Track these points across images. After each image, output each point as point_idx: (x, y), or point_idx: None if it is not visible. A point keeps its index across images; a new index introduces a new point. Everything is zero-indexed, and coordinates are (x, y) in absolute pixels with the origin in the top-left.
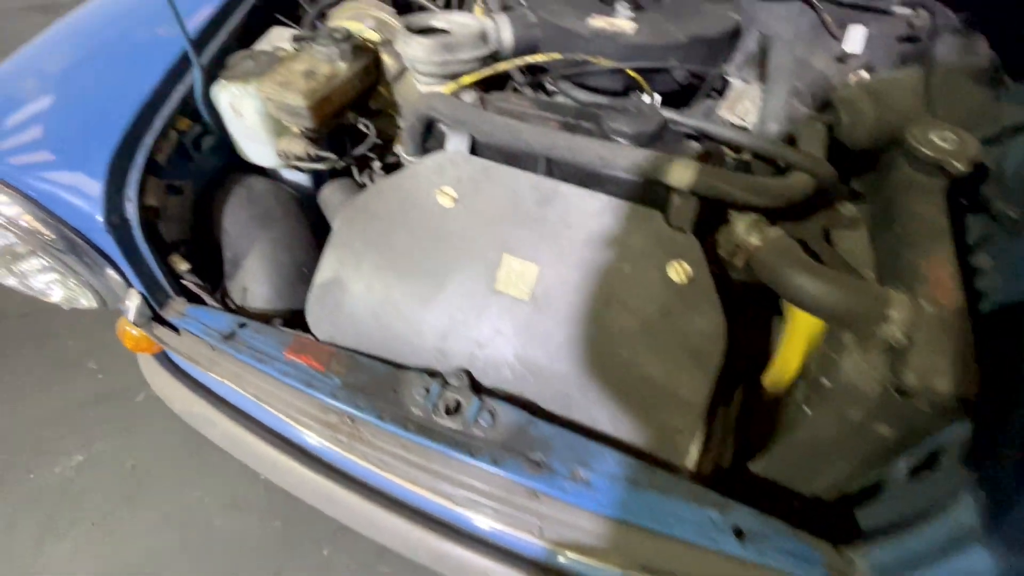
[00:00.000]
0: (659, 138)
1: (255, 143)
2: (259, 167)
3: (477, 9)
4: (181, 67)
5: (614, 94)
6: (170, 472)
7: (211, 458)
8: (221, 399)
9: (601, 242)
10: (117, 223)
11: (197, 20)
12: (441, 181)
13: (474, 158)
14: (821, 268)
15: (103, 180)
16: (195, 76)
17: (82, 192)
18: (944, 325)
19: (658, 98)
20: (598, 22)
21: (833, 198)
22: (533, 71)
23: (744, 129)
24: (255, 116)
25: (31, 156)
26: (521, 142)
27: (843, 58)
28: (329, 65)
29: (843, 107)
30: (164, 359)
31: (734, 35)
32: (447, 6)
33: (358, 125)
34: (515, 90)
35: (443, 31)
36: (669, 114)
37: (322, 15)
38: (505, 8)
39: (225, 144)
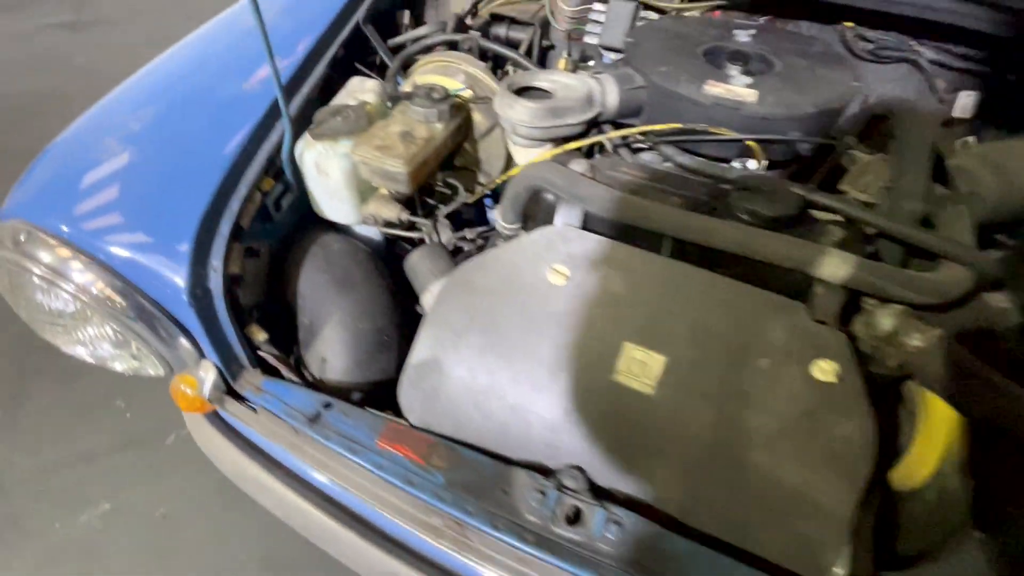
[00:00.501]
0: (799, 221)
1: (337, 202)
2: (332, 222)
3: (561, 62)
4: (267, 123)
5: (719, 159)
6: (202, 522)
7: (245, 508)
8: (284, 468)
9: (736, 334)
10: (200, 294)
11: (281, 72)
12: (552, 257)
13: (588, 234)
14: (1008, 382)
15: (189, 249)
16: (285, 133)
17: (164, 261)
18: None
19: (763, 164)
20: (716, 89)
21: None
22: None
23: (880, 210)
24: (341, 176)
25: (107, 219)
26: (649, 222)
27: (949, 123)
28: (426, 127)
29: (960, 177)
30: (215, 417)
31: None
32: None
33: (441, 185)
34: (604, 149)
35: (543, 91)
36: (800, 190)
37: (405, 66)
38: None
39: (302, 201)
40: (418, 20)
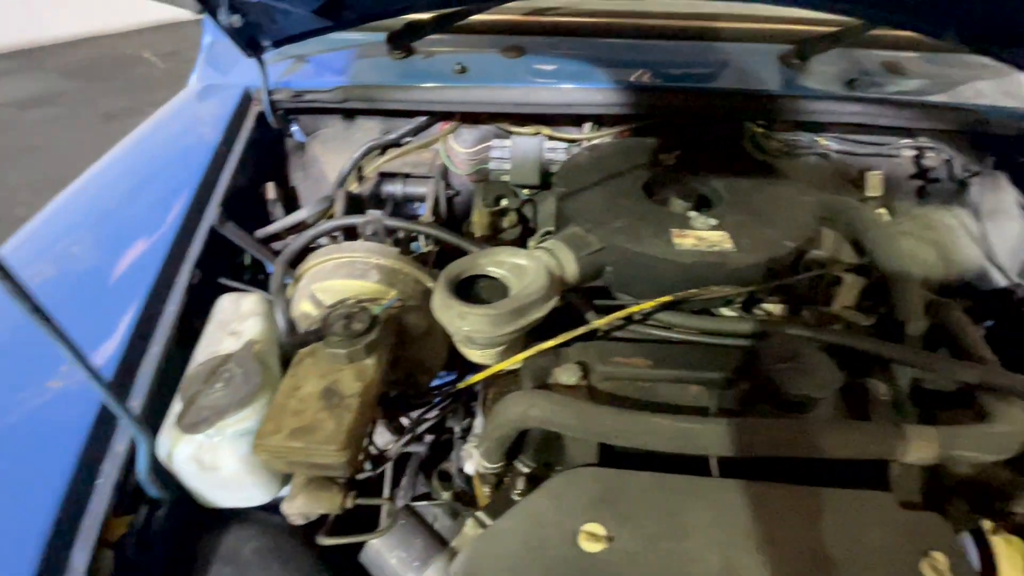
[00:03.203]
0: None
1: (237, 491)
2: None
3: (477, 215)
4: (99, 437)
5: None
6: None
7: None
8: None
9: (829, 549)
10: None
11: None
12: (578, 517)
13: (615, 472)
14: None
15: None
16: (136, 442)
17: None
18: None
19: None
20: (687, 240)
21: None
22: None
23: (918, 349)
24: (238, 464)
25: None
26: (699, 448)
27: (863, 200)
28: (352, 370)
29: (907, 260)
30: None
31: None
32: (436, 212)
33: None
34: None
35: (490, 279)
36: (831, 338)
37: (291, 267)
38: (499, 203)
39: (181, 505)
40: (287, 193)
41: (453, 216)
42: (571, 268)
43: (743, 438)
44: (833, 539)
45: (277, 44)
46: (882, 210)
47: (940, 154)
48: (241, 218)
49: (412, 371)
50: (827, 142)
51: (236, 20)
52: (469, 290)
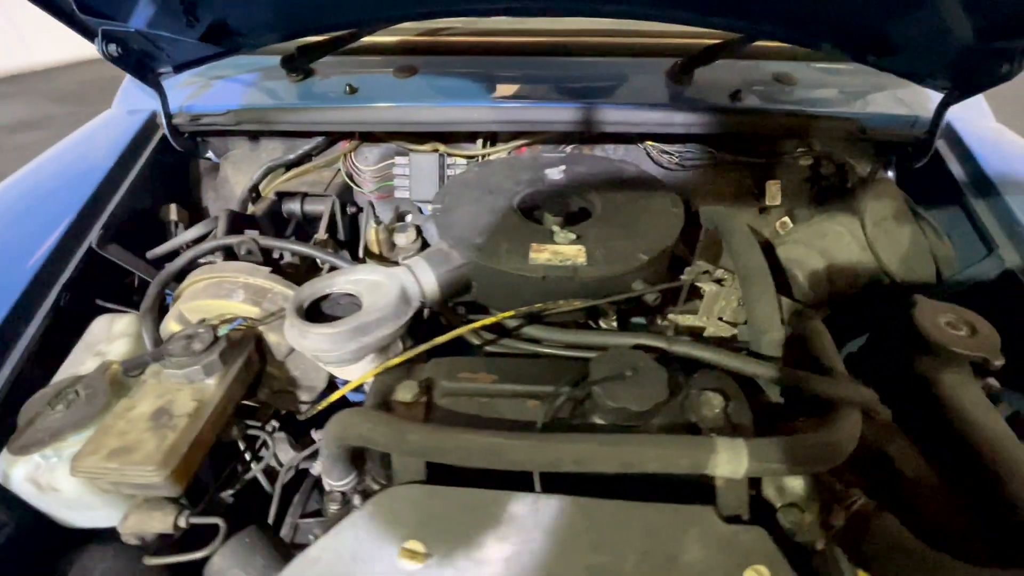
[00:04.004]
0: (673, 397)
1: (84, 511)
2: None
3: (372, 232)
4: None
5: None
6: None
7: None
8: None
9: (649, 563)
10: None
11: None
12: (399, 533)
13: (439, 488)
14: (942, 560)
15: None
16: None
17: None
18: None
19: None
20: (542, 255)
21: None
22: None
23: (763, 357)
24: (78, 485)
25: None
26: (511, 464)
27: (764, 210)
28: (191, 390)
29: (795, 266)
30: None
31: None
32: (331, 232)
33: (239, 438)
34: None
35: (347, 296)
36: (681, 347)
37: (162, 294)
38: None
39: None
40: (200, 214)
41: (356, 234)
42: (430, 285)
43: (549, 453)
44: (652, 553)
45: (178, 70)
46: (785, 219)
47: (834, 162)
48: (142, 240)
49: (287, 388)
50: (719, 153)
51: (114, 50)
52: (332, 307)
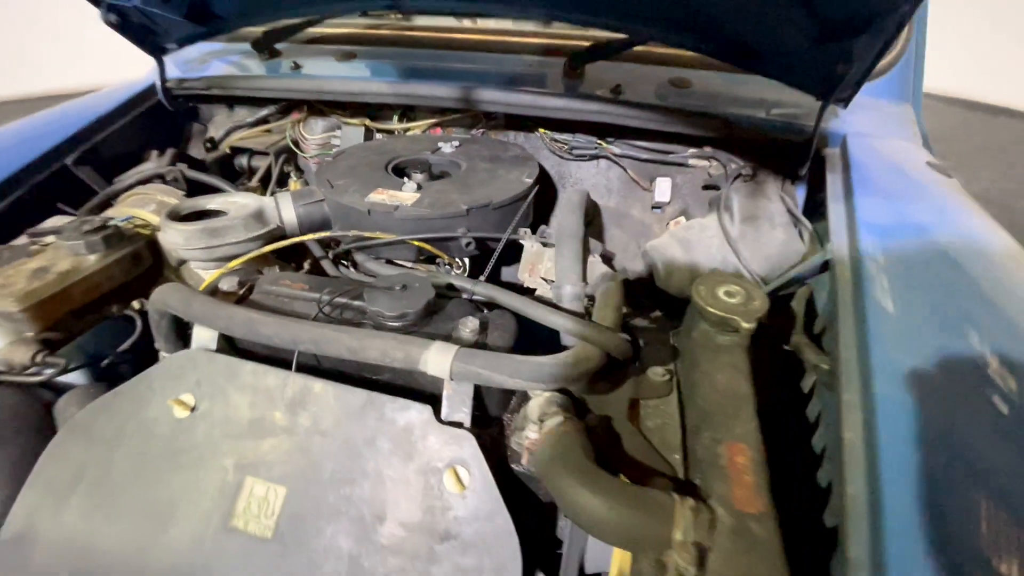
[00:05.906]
0: (434, 314)
1: None
2: None
3: (292, 184)
4: None
5: (425, 261)
6: None
7: None
8: None
9: (362, 450)
10: None
11: None
12: (179, 387)
13: (218, 356)
14: (599, 477)
15: None
16: None
17: None
18: (743, 540)
19: (466, 263)
20: (379, 196)
21: (643, 362)
22: (335, 244)
23: (539, 298)
24: None
25: None
26: (260, 336)
27: (658, 206)
28: (71, 259)
29: (656, 256)
30: None
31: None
32: (264, 185)
33: (118, 314)
34: (311, 269)
35: (220, 213)
36: (460, 282)
37: (107, 204)
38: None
39: None
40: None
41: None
42: (288, 212)
43: (292, 331)
44: (363, 440)
45: (180, 44)
46: (680, 218)
47: (721, 163)
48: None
49: None
50: (610, 146)
51: (113, 19)
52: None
